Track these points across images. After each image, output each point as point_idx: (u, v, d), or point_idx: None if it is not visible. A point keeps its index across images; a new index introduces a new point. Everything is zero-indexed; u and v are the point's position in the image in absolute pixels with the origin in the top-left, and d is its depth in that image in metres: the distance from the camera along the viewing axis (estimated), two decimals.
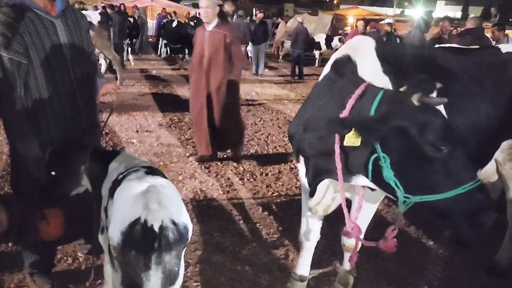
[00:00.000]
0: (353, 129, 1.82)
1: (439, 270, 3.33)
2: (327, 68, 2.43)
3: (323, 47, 17.08)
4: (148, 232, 1.66)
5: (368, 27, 11.49)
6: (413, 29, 9.26)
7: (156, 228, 1.67)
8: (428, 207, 1.84)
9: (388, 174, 1.79)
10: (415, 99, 1.77)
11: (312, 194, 2.42)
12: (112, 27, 11.25)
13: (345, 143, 1.86)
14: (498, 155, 2.83)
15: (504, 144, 2.82)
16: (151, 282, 1.67)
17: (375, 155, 1.83)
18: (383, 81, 2.21)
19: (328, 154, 2.06)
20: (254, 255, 3.38)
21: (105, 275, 2.33)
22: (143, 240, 1.66)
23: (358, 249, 2.44)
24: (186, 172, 4.99)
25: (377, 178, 1.86)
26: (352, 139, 1.83)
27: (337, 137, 1.94)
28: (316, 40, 17.28)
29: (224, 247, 3.45)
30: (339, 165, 1.96)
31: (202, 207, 4.13)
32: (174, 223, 1.73)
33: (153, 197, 1.75)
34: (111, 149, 5.27)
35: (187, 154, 5.59)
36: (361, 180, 2.06)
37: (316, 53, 17.01)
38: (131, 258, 1.68)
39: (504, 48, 2.88)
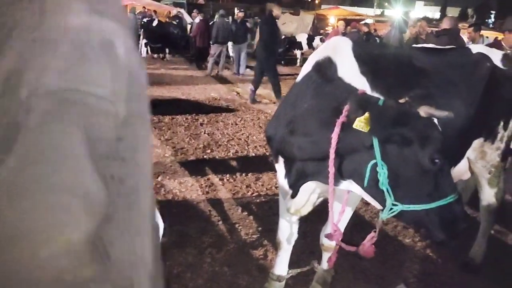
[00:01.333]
0: (367, 113, 1.82)
1: (415, 267, 3.38)
2: (306, 68, 2.42)
3: (305, 46, 17.17)
4: None
5: (348, 27, 11.59)
6: (392, 29, 9.41)
7: None
8: (408, 216, 1.90)
9: (384, 181, 1.83)
10: (422, 111, 1.80)
11: (294, 195, 2.42)
12: None
13: (354, 126, 1.85)
14: (470, 153, 2.90)
15: (476, 143, 2.88)
16: None
17: (374, 161, 1.85)
18: (361, 82, 2.23)
19: (319, 158, 2.07)
20: (232, 256, 3.37)
21: None
22: None
23: (337, 251, 2.44)
24: (165, 173, 4.94)
25: (372, 184, 1.89)
26: (362, 123, 1.83)
27: (333, 142, 1.93)
28: (298, 40, 17.35)
29: (203, 248, 3.44)
30: (332, 169, 1.96)
31: (181, 208, 4.11)
32: None
33: None
34: None
35: (167, 155, 5.54)
36: (349, 185, 2.08)
37: (298, 52, 17.08)
38: None
39: (475, 48, 2.95)
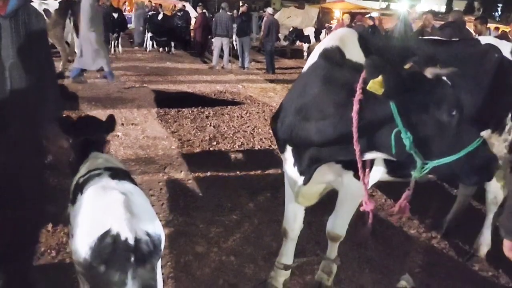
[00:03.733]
0: (380, 76, 1.84)
1: (420, 258, 3.41)
2: (313, 58, 2.43)
3: (312, 40, 17.12)
4: (121, 246, 1.52)
5: (354, 21, 11.54)
6: (398, 23, 9.36)
7: (131, 241, 1.54)
8: (441, 170, 1.95)
9: (411, 145, 1.88)
10: (428, 73, 1.85)
11: (306, 181, 2.45)
12: (72, 16, 11.15)
13: (368, 87, 1.88)
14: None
15: (483, 134, 2.89)
16: None
17: (396, 129, 1.89)
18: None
19: (341, 138, 2.11)
20: (239, 245, 3.41)
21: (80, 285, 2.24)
22: (117, 255, 1.52)
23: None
24: (172, 164, 4.98)
25: (399, 151, 1.94)
26: (376, 85, 1.86)
27: (354, 121, 1.97)
28: (306, 33, 17.34)
29: (209, 238, 3.48)
30: (357, 147, 2.02)
31: (187, 199, 4.15)
32: (148, 234, 1.60)
33: (124, 206, 1.61)
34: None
35: (173, 147, 5.58)
36: (374, 155, 2.15)
37: (305, 46, 17.05)
38: (101, 273, 1.53)
39: (484, 39, 2.95)
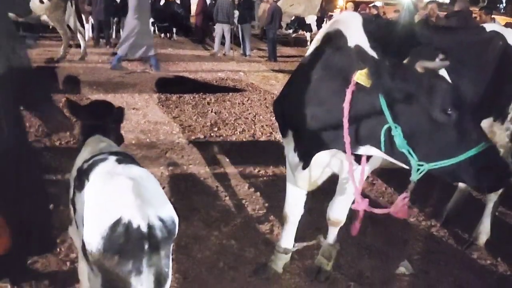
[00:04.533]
0: (366, 68, 1.82)
1: (419, 245, 3.43)
2: (316, 42, 2.42)
3: (314, 28, 16.97)
4: (134, 234, 1.48)
5: (358, 10, 11.45)
6: (403, 12, 9.29)
7: (144, 228, 1.49)
8: (442, 172, 1.86)
9: (401, 142, 1.82)
10: (418, 67, 1.80)
11: (305, 166, 2.45)
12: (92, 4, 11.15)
13: (355, 78, 1.85)
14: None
15: (485, 122, 2.88)
16: (143, 287, 1.52)
17: (387, 125, 1.84)
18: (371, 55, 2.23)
19: (334, 127, 2.08)
20: (239, 229, 3.43)
21: (80, 274, 2.13)
22: (131, 243, 1.48)
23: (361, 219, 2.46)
24: (173, 149, 4.99)
25: (390, 148, 1.89)
26: (363, 77, 1.83)
27: (345, 111, 1.94)
28: (307, 21, 17.15)
29: (210, 222, 3.50)
30: (347, 139, 1.98)
31: (189, 183, 4.16)
32: (161, 219, 1.56)
33: (134, 192, 1.55)
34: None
35: (174, 132, 5.58)
36: (369, 150, 2.09)
37: (307, 34, 16.90)
38: (115, 263, 1.49)
39: (489, 27, 2.93)
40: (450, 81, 1.87)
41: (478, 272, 3.13)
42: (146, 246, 1.49)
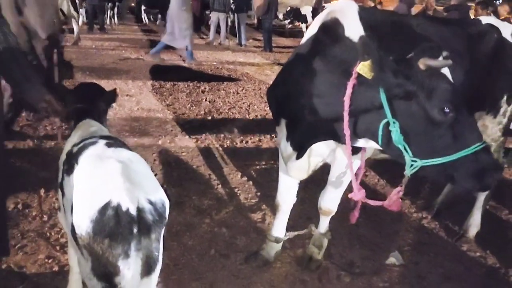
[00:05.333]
0: (370, 60, 1.80)
1: (409, 237, 3.45)
2: (312, 31, 2.39)
3: (310, 19, 16.86)
4: (123, 217, 1.46)
5: None
6: (400, 4, 9.26)
7: (133, 211, 1.48)
8: (435, 171, 1.87)
9: (398, 138, 1.82)
10: (421, 64, 1.79)
11: (300, 156, 2.44)
12: None
13: (357, 69, 1.84)
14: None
15: (478, 115, 2.89)
16: (131, 271, 1.50)
17: (386, 120, 1.84)
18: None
19: (332, 119, 2.07)
20: (231, 218, 3.43)
21: (69, 259, 2.13)
22: (119, 226, 1.46)
23: (359, 208, 2.49)
24: (166, 137, 4.96)
25: (386, 142, 1.89)
26: (365, 68, 1.82)
27: (346, 104, 1.93)
28: (303, 12, 17.04)
29: (202, 209, 3.49)
30: (347, 131, 1.97)
31: (181, 171, 4.14)
32: (151, 202, 1.54)
33: (123, 174, 1.54)
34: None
35: (168, 119, 5.54)
36: (366, 143, 2.10)
37: (303, 25, 16.81)
38: (105, 247, 1.47)
39: (485, 20, 2.92)
40: (451, 80, 1.87)
41: (467, 264, 3.15)
42: (135, 230, 1.48)
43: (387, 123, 1.85)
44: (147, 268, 1.56)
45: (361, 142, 2.12)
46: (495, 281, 3.01)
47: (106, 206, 1.46)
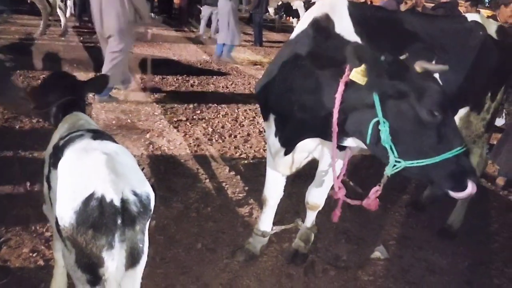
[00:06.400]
0: (363, 65, 1.81)
1: (394, 231, 3.49)
2: (302, 26, 2.38)
3: (302, 14, 16.84)
4: (107, 208, 1.47)
5: None
6: (389, 0, 9.28)
7: (117, 202, 1.48)
8: (414, 171, 1.89)
9: (386, 138, 1.84)
10: (417, 66, 1.81)
11: (288, 152, 2.45)
12: None
13: (351, 76, 1.85)
14: (456, 121, 2.94)
15: (462, 111, 2.93)
16: (115, 262, 1.50)
17: (376, 119, 1.85)
18: (355, 41, 2.22)
19: (322, 116, 2.07)
20: (218, 212, 3.43)
21: (54, 251, 2.13)
22: (103, 218, 1.46)
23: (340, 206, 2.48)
24: (154, 130, 4.93)
25: (374, 142, 1.91)
26: (359, 75, 1.83)
27: (337, 102, 1.93)
28: (294, 7, 17.01)
29: (189, 203, 3.49)
30: (336, 129, 1.98)
31: (168, 165, 4.13)
32: (135, 194, 1.54)
33: (108, 166, 1.54)
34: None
35: (156, 113, 5.51)
36: (353, 142, 2.11)
37: (294, 20, 16.78)
38: (88, 238, 1.47)
39: (470, 17, 2.95)
40: (440, 82, 1.90)
41: (450, 258, 3.20)
42: (119, 221, 1.48)
43: (377, 123, 1.86)
44: (131, 260, 1.56)
45: (348, 141, 2.13)
46: (477, 274, 3.07)
47: (90, 197, 1.46)
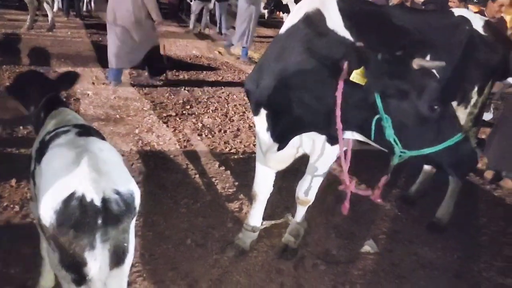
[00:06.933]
0: (362, 67, 1.84)
1: (384, 225, 3.51)
2: (292, 20, 2.36)
3: (292, 9, 16.78)
4: (88, 208, 1.45)
5: None
6: None
7: (98, 202, 1.46)
8: (418, 160, 2.03)
9: (390, 132, 1.89)
10: (414, 64, 1.83)
11: (282, 147, 2.44)
12: None
13: (351, 78, 1.88)
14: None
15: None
16: (97, 262, 1.49)
17: (378, 115, 1.90)
18: (348, 39, 2.20)
19: (322, 112, 2.08)
20: (208, 207, 3.41)
21: (42, 250, 2.12)
22: (84, 217, 1.44)
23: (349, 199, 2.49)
24: (143, 126, 4.88)
25: (379, 137, 1.96)
26: (359, 76, 1.86)
27: (338, 100, 1.96)
28: (284, 2, 16.92)
29: (178, 199, 3.46)
30: (340, 126, 2.00)
31: (158, 161, 4.09)
32: (118, 192, 1.52)
33: (90, 164, 1.52)
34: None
35: (145, 108, 5.46)
36: (353, 135, 2.15)
37: (284, 16, 16.70)
38: (70, 238, 1.46)
39: (457, 12, 2.96)
40: (438, 76, 1.93)
41: (440, 252, 3.22)
42: (100, 221, 1.46)
43: (380, 119, 1.91)
44: (116, 259, 1.54)
45: (347, 134, 2.15)
46: (467, 268, 3.09)
47: (70, 197, 1.44)
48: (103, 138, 1.91)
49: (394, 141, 1.91)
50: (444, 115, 1.90)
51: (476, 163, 2.04)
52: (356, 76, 1.87)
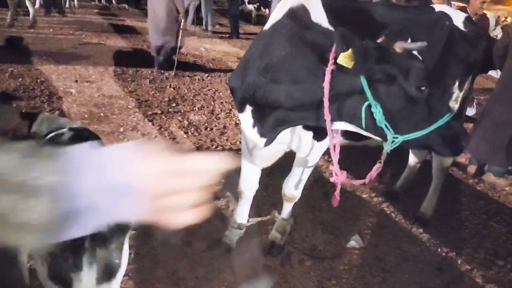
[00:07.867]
0: (350, 49, 1.83)
1: (370, 220, 3.55)
2: (276, 16, 2.36)
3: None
4: None
5: None
6: None
7: None
8: (412, 143, 2.01)
9: (381, 119, 1.89)
10: (397, 47, 1.85)
11: (268, 143, 2.43)
12: None
13: (338, 61, 1.87)
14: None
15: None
16: (83, 283, 1.45)
17: (367, 102, 1.89)
18: (328, 28, 2.22)
19: (311, 105, 2.08)
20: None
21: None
22: (69, 240, 1.40)
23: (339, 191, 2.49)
24: (128, 124, 4.84)
25: (370, 124, 1.96)
26: (346, 59, 1.85)
27: (326, 91, 1.94)
28: None
29: None
30: (328, 117, 1.99)
31: None
32: None
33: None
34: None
35: (130, 106, 5.41)
36: (344, 125, 2.14)
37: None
38: (56, 257, 1.43)
39: (438, 7, 2.99)
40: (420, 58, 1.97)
41: (423, 245, 3.28)
42: (86, 244, 1.42)
43: (369, 106, 1.91)
44: (106, 276, 1.51)
45: (337, 125, 2.14)
46: (449, 261, 3.15)
47: None
48: (99, 140, 1.87)
49: (386, 126, 1.92)
50: (432, 96, 1.92)
51: (468, 139, 2.07)
52: (343, 59, 1.85)
